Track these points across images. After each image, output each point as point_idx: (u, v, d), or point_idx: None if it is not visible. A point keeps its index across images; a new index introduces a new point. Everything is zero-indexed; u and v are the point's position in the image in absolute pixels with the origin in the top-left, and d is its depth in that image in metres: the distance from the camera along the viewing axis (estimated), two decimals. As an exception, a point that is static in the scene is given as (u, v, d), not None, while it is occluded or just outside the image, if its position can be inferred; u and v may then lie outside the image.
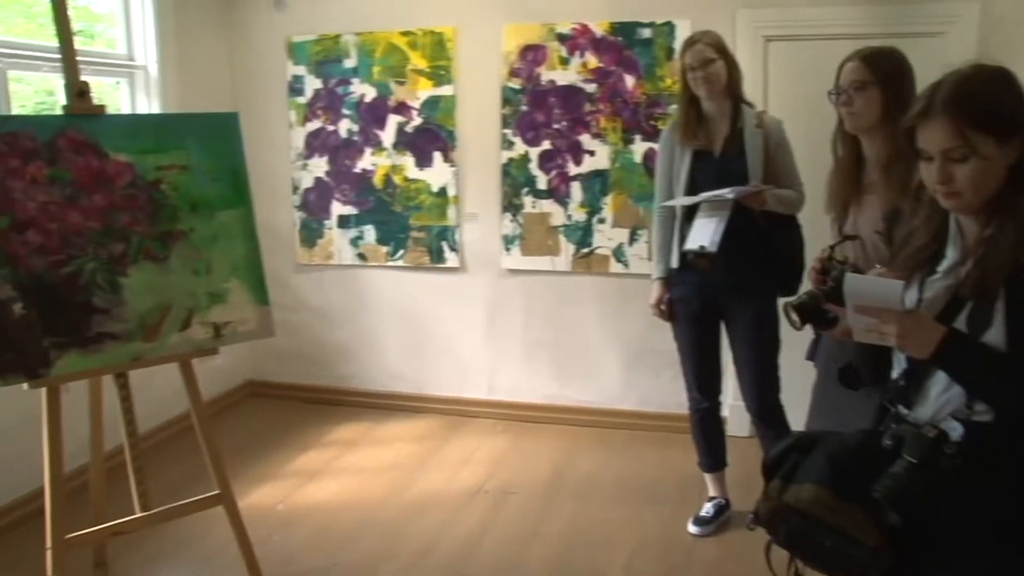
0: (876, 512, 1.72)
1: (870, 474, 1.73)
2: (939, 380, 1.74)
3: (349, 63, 5.17)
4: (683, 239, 3.54)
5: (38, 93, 4.44)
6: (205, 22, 5.20)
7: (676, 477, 4.29)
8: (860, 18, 4.30)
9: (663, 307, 3.72)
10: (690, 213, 3.53)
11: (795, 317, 2.02)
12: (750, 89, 3.78)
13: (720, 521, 3.81)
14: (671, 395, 4.66)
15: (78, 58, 3.02)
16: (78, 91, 2.98)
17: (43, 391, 2.83)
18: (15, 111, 3.99)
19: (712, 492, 3.90)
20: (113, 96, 4.71)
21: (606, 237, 4.88)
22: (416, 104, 5.09)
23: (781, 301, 2.57)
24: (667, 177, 3.65)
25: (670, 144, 3.65)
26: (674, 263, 3.61)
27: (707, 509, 3.84)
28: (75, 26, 3.18)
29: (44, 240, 2.82)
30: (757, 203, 3.40)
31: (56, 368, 2.82)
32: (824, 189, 2.83)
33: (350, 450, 4.79)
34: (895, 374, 1.88)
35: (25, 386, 2.80)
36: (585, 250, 4.93)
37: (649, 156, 4.66)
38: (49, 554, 2.84)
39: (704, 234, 3.43)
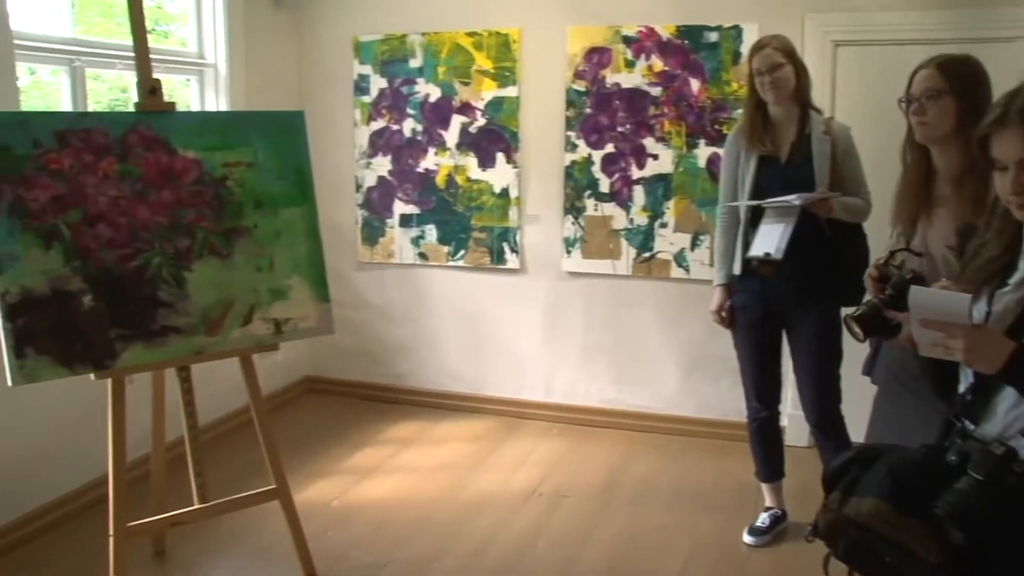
0: (938, 529, 1.68)
1: (933, 490, 1.69)
2: (1008, 396, 1.70)
3: (414, 63, 5.20)
4: (747, 245, 3.50)
5: (112, 90, 4.55)
6: (273, 22, 5.27)
7: (732, 485, 4.25)
8: (933, 23, 4.20)
9: (724, 314, 3.68)
10: (755, 219, 3.50)
11: (857, 329, 1.99)
12: (817, 95, 3.72)
13: (776, 532, 3.76)
14: (730, 403, 4.61)
15: (151, 56, 3.09)
16: (150, 88, 3.05)
17: (108, 382, 2.90)
18: (90, 108, 4.09)
19: (768, 502, 3.85)
20: (183, 93, 4.80)
21: (668, 242, 4.85)
22: (480, 105, 5.11)
23: (843, 312, 2.52)
24: (732, 182, 3.62)
25: (735, 149, 3.61)
26: (736, 270, 3.58)
27: (763, 519, 3.79)
28: (149, 25, 3.25)
29: (114, 234, 2.88)
30: (824, 210, 3.34)
31: (121, 360, 2.89)
32: (891, 200, 2.74)
33: (406, 448, 4.81)
34: (962, 388, 1.84)
35: (92, 377, 2.87)
36: (646, 254, 4.90)
37: (713, 161, 4.63)
38: (111, 541, 2.92)
39: (770, 241, 3.39)
